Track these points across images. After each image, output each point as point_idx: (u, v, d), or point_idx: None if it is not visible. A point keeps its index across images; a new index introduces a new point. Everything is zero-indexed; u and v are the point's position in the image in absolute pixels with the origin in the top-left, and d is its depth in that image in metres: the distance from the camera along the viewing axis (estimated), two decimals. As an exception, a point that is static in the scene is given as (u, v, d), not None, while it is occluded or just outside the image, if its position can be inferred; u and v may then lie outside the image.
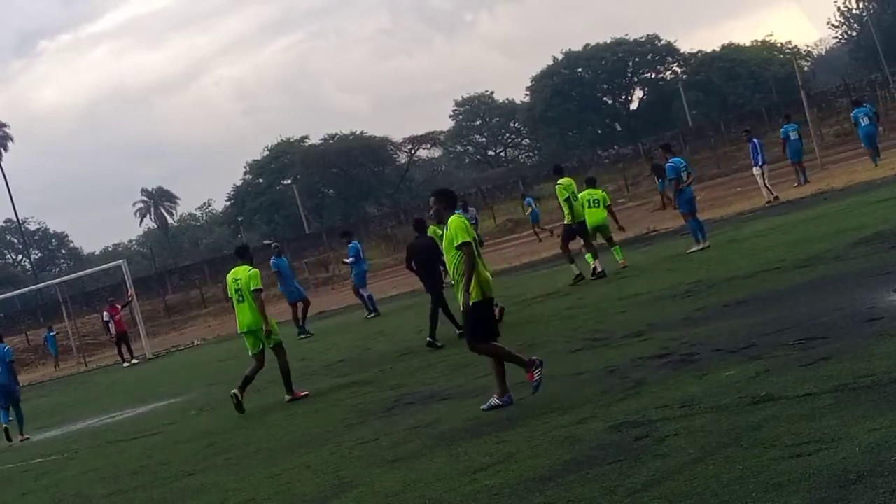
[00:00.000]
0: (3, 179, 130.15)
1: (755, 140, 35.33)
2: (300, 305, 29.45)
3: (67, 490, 12.61)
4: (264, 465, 10.87)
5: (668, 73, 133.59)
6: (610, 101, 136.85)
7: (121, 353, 39.39)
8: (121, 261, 47.46)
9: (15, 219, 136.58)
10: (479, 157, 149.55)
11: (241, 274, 16.26)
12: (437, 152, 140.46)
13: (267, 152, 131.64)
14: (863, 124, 36.86)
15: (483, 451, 8.77)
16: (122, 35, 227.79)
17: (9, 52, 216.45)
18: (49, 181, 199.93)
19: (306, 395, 15.95)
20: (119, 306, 40.14)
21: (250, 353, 16.33)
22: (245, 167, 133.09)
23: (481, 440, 9.21)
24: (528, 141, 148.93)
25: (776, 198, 33.29)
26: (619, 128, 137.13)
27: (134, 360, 38.63)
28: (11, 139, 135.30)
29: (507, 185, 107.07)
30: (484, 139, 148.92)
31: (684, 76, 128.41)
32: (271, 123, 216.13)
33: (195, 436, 14.61)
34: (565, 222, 23.88)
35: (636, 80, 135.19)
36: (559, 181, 23.82)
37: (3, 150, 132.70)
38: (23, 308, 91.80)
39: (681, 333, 12.21)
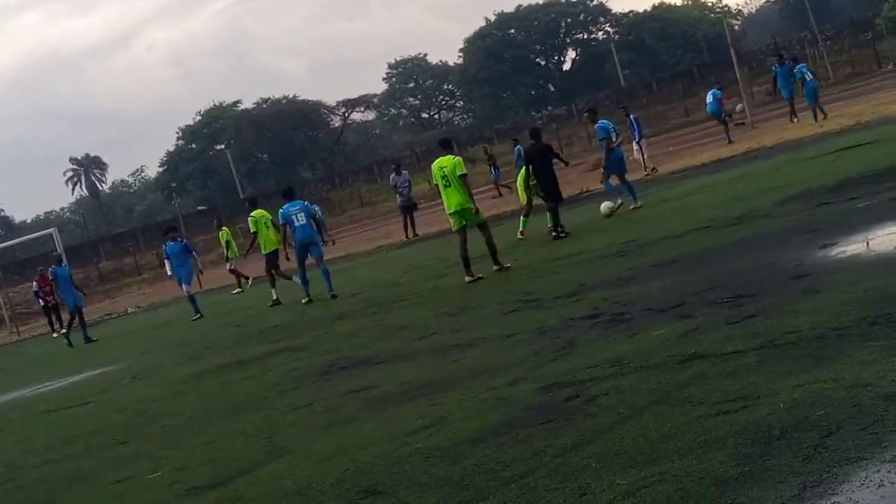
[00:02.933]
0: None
1: (632, 116, 35.91)
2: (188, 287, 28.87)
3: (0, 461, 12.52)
4: (197, 432, 10.84)
5: (600, 33, 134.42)
6: (543, 62, 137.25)
7: (51, 323, 39.07)
8: (52, 229, 47.12)
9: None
10: (413, 119, 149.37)
11: (446, 162, 18.65)
12: (371, 115, 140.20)
13: (199, 117, 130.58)
14: (808, 79, 37.33)
15: (416, 414, 8.80)
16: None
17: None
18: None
19: (509, 267, 18.23)
20: (49, 278, 39.71)
21: (454, 229, 18.83)
22: (178, 133, 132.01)
23: (414, 404, 9.24)
24: (461, 103, 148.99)
25: (654, 169, 34.00)
26: (552, 88, 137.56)
27: (64, 330, 38.23)
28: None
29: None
30: (418, 102, 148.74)
31: (616, 36, 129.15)
32: (207, 88, 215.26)
33: (128, 404, 14.53)
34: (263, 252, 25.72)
35: (569, 40, 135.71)
36: (252, 213, 25.97)
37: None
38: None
39: (612, 293, 12.29)
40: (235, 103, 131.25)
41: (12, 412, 17.65)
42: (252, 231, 26.07)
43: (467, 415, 8.29)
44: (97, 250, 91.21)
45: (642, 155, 35.22)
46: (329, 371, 12.52)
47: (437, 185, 19.64)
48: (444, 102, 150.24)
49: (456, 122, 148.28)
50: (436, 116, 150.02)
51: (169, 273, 30.81)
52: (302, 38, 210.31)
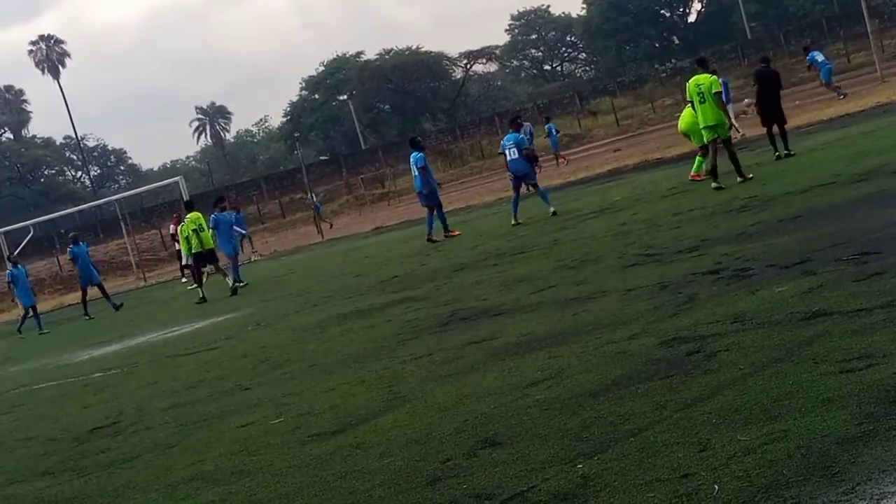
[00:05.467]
0: (61, 96, 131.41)
1: (721, 79, 35.16)
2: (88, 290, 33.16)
3: (127, 403, 12.82)
4: (319, 379, 10.99)
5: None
6: (667, 14, 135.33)
7: (182, 269, 39.86)
8: (178, 177, 47.77)
9: (74, 136, 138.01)
10: (535, 71, 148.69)
11: (703, 80, 20.77)
12: (493, 67, 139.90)
13: (322, 68, 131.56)
14: None
15: (535, 366, 8.82)
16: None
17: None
18: (107, 98, 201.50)
19: (751, 177, 20.06)
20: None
21: (705, 141, 21.01)
22: (301, 83, 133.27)
23: (533, 356, 9.26)
24: (584, 55, 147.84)
25: (742, 134, 33.33)
26: (676, 41, 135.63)
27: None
28: (69, 55, 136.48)
29: (563, 99, 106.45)
30: (540, 54, 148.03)
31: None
32: (330, 39, 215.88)
33: (251, 350, 14.78)
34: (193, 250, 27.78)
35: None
36: (188, 215, 28.00)
37: (60, 67, 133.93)
38: (82, 224, 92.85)
39: (734, 249, 12.16)
40: (358, 54, 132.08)
41: (140, 356, 18.05)
42: (192, 230, 27.64)
43: (587, 368, 8.29)
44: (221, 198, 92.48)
45: (731, 119, 34.56)
46: (449, 322, 12.59)
47: (689, 100, 21.51)
48: (566, 55, 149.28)
49: (578, 75, 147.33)
50: (558, 68, 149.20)
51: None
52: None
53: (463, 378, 9.14)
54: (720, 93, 20.85)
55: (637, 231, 16.75)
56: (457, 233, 25.28)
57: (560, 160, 50.38)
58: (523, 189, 25.08)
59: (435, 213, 25.36)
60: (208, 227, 27.60)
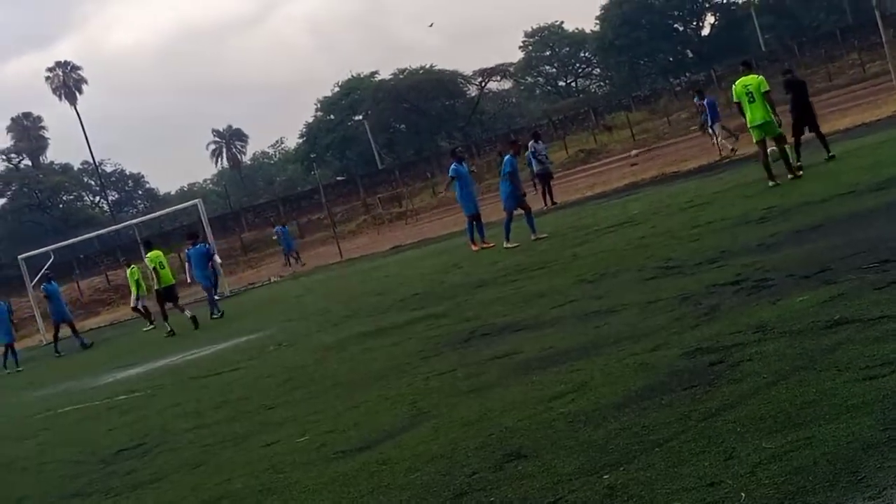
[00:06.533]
0: (78, 122, 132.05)
1: (707, 99, 35.20)
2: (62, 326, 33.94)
3: (152, 425, 12.88)
4: (343, 397, 11.03)
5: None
6: (681, 28, 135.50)
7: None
8: (196, 200, 47.93)
9: (92, 161, 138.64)
10: (549, 88, 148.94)
11: (751, 80, 21.38)
12: (507, 84, 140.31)
13: (337, 89, 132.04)
14: None
15: (558, 379, 8.85)
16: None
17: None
18: (124, 122, 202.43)
19: (801, 175, 20.96)
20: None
21: (755, 141, 21.77)
22: (316, 104, 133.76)
23: (556, 369, 9.29)
24: (598, 70, 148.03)
25: (734, 150, 33.41)
26: (690, 55, 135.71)
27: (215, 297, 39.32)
28: (86, 82, 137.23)
29: (578, 115, 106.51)
30: (554, 70, 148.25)
31: (756, 0, 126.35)
32: (344, 60, 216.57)
33: (274, 371, 14.83)
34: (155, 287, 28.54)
35: (707, 5, 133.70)
36: (148, 254, 28.81)
37: (77, 93, 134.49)
38: (101, 249, 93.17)
39: (754, 259, 12.17)
40: (373, 74, 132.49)
41: (163, 378, 18.12)
42: (152, 268, 28.60)
43: (610, 380, 8.32)
44: (239, 221, 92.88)
45: (716, 139, 34.58)
46: (470, 338, 12.62)
47: (737, 102, 21.86)
48: (580, 70, 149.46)
49: (593, 90, 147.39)
50: (572, 84, 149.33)
51: (188, 278, 32.25)
52: (437, 8, 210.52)
53: (486, 393, 9.18)
54: (769, 92, 21.39)
55: (656, 244, 16.75)
56: (491, 244, 25.27)
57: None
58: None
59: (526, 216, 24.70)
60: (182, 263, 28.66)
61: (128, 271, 36.00)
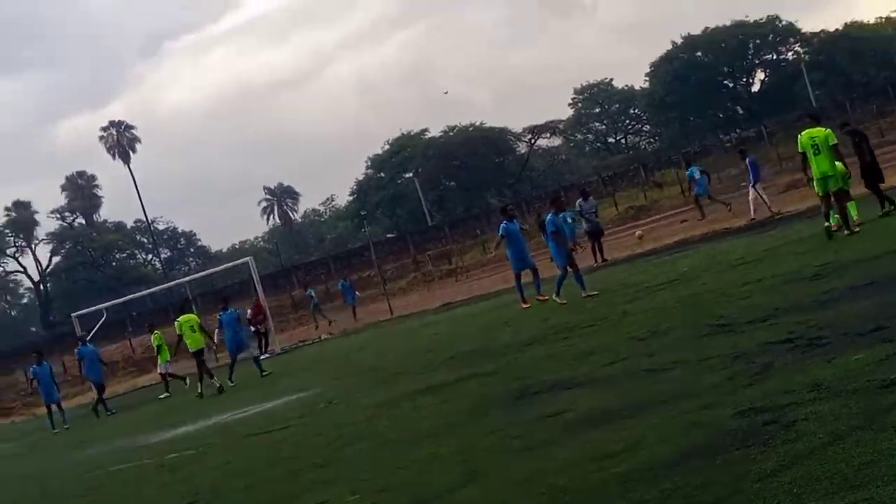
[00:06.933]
0: (131, 181, 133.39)
1: (749, 159, 35.33)
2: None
3: (203, 483, 12.89)
4: (393, 456, 10.99)
5: (789, 53, 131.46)
6: (731, 84, 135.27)
7: (260, 346, 40.53)
8: (248, 258, 48.18)
9: (144, 219, 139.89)
10: (599, 144, 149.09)
11: (817, 133, 21.41)
12: (556, 141, 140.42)
13: (387, 146, 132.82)
14: None
15: (610, 438, 8.79)
16: (245, 33, 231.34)
17: (134, 54, 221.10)
18: (176, 181, 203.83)
19: (857, 231, 20.76)
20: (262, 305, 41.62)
21: (819, 194, 21.53)
22: (367, 162, 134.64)
23: (608, 428, 9.22)
24: (648, 127, 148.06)
25: (778, 212, 33.34)
26: (740, 111, 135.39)
27: (265, 355, 39.56)
28: (139, 140, 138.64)
29: (628, 172, 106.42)
30: (604, 127, 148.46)
31: (806, 56, 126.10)
32: (392, 117, 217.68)
33: (325, 428, 14.81)
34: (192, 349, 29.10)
35: (757, 62, 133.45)
36: (178, 318, 29.65)
37: (130, 152, 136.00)
38: (154, 306, 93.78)
39: (808, 317, 12.06)
40: (423, 132, 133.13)
41: (214, 436, 18.15)
42: (178, 334, 29.40)
43: (662, 439, 8.25)
44: (290, 278, 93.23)
45: (761, 198, 34.57)
46: (521, 396, 12.56)
47: (802, 153, 21.73)
48: (630, 127, 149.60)
49: (642, 147, 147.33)
50: (622, 141, 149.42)
51: (217, 339, 32.44)
52: (485, 67, 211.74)
53: (538, 452, 9.12)
54: (836, 145, 21.53)
55: (707, 301, 16.64)
56: (545, 298, 25.07)
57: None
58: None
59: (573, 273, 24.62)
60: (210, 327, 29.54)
61: (152, 336, 36.29)
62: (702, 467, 7.10)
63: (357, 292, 53.29)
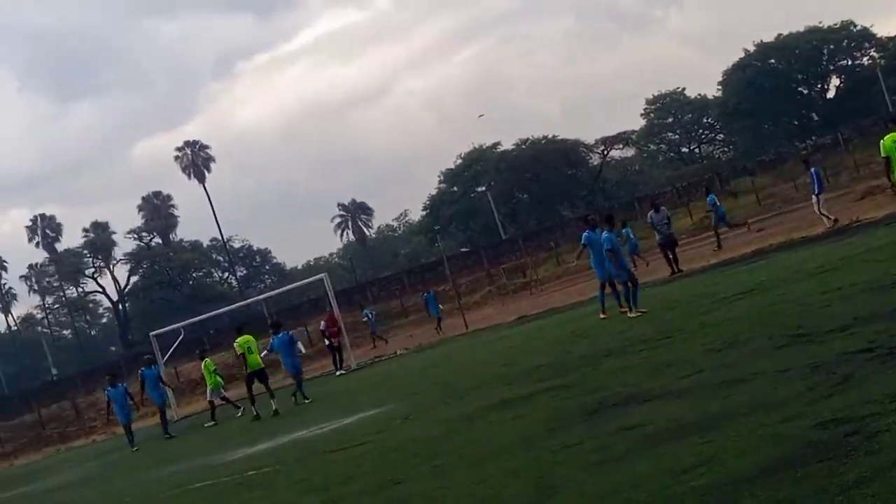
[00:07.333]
0: (207, 199, 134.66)
1: (813, 169, 34.99)
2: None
3: (281, 500, 12.95)
4: (469, 471, 10.96)
5: (865, 59, 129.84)
6: (805, 91, 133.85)
7: (335, 361, 40.87)
8: (322, 274, 48.47)
9: (220, 237, 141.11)
10: (672, 154, 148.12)
11: None
12: (629, 152, 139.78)
13: (460, 160, 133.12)
14: None
15: (688, 451, 8.69)
16: (317, 51, 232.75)
17: (208, 74, 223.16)
18: (250, 199, 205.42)
19: None
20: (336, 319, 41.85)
21: None
22: (439, 176, 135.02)
23: (686, 441, 9.13)
24: (722, 136, 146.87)
25: (836, 221, 32.90)
26: (815, 118, 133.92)
27: (341, 371, 39.79)
28: (213, 160, 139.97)
29: (702, 181, 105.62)
30: (677, 136, 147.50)
31: (882, 61, 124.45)
32: (463, 132, 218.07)
33: (401, 444, 14.81)
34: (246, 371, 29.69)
35: (832, 67, 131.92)
36: (238, 339, 29.83)
37: (206, 172, 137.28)
38: (231, 324, 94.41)
39: (888, 326, 11.87)
40: (495, 145, 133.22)
41: (291, 452, 18.22)
42: (239, 353, 29.87)
43: (742, 452, 8.14)
44: (365, 294, 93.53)
45: (819, 211, 34.35)
46: (597, 409, 12.47)
47: (885, 157, 21.99)
48: (703, 136, 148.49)
49: (717, 156, 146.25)
50: (696, 150, 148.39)
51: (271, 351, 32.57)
52: (554, 78, 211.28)
53: (615, 466, 9.04)
54: None
55: (785, 311, 16.44)
56: (625, 309, 24.98)
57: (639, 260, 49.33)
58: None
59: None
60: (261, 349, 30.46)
61: (203, 364, 36.50)
62: (783, 480, 7.00)
63: (441, 305, 53.49)
